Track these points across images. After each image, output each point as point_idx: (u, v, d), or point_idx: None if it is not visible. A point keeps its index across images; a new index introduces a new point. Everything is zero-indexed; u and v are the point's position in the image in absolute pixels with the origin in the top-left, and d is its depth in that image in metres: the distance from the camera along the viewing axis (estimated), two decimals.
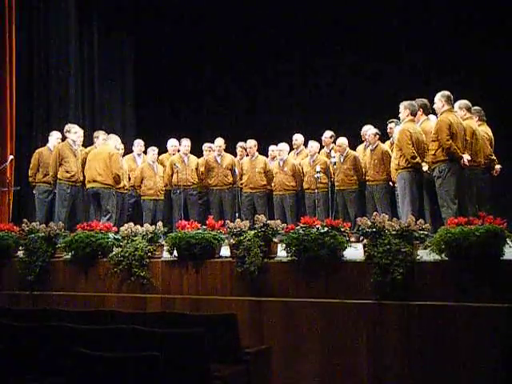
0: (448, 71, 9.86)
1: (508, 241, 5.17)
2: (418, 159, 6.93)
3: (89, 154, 8.65)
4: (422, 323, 5.14)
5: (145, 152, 9.75)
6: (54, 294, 6.80)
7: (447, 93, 6.88)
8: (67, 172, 8.41)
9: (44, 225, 7.26)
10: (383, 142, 8.78)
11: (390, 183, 8.32)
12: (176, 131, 10.26)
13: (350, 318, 5.40)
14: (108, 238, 6.78)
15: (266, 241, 5.97)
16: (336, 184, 8.82)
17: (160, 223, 6.86)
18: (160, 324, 4.37)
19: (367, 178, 8.67)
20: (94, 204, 8.48)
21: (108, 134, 8.92)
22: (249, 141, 9.53)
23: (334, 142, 9.35)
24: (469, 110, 7.27)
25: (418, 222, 5.54)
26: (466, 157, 6.66)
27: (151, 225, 6.85)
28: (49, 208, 8.62)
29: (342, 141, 9.03)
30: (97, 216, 8.33)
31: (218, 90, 12.36)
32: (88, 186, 8.46)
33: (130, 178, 9.42)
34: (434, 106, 6.98)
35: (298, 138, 9.67)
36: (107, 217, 8.25)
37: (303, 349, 5.53)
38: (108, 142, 8.67)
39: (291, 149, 9.62)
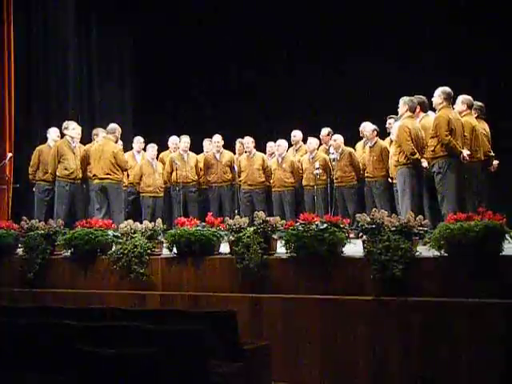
0: (448, 68, 9.82)
1: (507, 236, 5.17)
2: (417, 155, 6.92)
3: (92, 152, 8.51)
4: (421, 319, 5.14)
5: (144, 149, 9.73)
6: (54, 292, 6.79)
7: (448, 89, 6.83)
8: (66, 169, 8.39)
9: (43, 222, 7.25)
10: (382, 138, 8.76)
11: (389, 180, 8.32)
12: (175, 128, 10.23)
13: (349, 314, 5.41)
14: (107, 235, 6.78)
15: (266, 237, 5.98)
16: (335, 180, 8.83)
17: (159, 220, 6.86)
18: (159, 321, 4.36)
19: (366, 174, 8.67)
20: (98, 199, 8.24)
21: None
22: (246, 138, 9.50)
23: None
24: (470, 106, 7.23)
25: (417, 218, 5.54)
26: (466, 152, 6.65)
27: (150, 222, 6.85)
28: (48, 207, 8.60)
29: (336, 137, 9.03)
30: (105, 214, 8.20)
31: (218, 87, 12.32)
32: (95, 182, 8.30)
33: (129, 175, 9.41)
34: (433, 100, 6.95)
35: (297, 135, 9.64)
36: (118, 212, 8.15)
37: (302, 345, 5.53)
38: (109, 136, 8.44)
39: (290, 145, 9.61)
